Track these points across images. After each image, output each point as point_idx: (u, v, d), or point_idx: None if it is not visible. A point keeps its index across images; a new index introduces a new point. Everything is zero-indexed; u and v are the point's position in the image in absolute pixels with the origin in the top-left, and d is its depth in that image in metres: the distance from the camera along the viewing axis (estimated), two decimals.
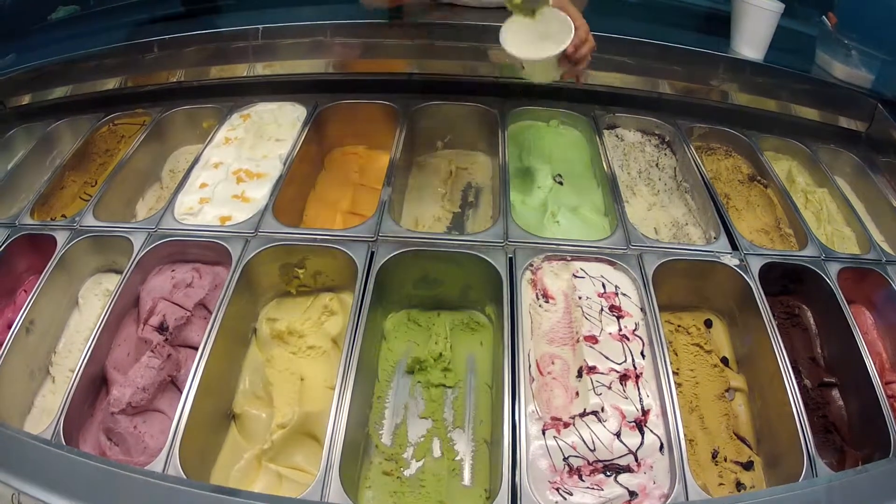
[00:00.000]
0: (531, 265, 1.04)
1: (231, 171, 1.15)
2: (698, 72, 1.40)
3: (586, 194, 1.22)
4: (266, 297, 1.10)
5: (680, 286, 1.17)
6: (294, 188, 1.17)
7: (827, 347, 1.26)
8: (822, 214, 1.38)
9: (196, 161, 1.18)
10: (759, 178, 1.40)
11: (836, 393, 1.23)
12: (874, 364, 1.24)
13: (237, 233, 1.07)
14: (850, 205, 1.39)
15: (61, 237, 1.09)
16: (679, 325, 1.18)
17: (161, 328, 1.02)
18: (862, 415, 1.12)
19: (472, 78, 1.33)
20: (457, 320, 1.10)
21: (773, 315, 1.26)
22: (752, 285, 1.13)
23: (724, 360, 1.18)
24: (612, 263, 1.08)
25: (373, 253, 1.03)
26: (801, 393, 1.17)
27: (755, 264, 1.17)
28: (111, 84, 1.32)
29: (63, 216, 1.16)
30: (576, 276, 1.06)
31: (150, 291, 1.07)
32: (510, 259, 1.04)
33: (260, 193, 1.11)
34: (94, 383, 0.98)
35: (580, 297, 1.03)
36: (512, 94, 1.35)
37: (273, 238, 1.06)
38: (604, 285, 1.06)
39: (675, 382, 1.08)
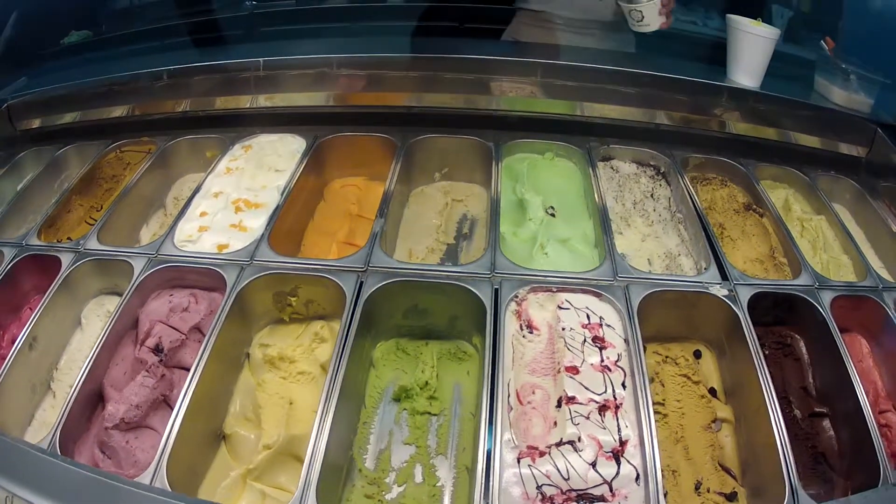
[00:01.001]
0: (516, 296, 1.12)
1: (230, 201, 1.25)
2: (694, 102, 1.47)
3: (578, 226, 1.29)
4: (260, 323, 1.19)
5: (668, 317, 1.23)
6: (292, 218, 1.27)
7: (819, 377, 1.30)
8: (819, 242, 1.43)
9: (198, 190, 1.28)
10: (754, 207, 1.45)
11: (826, 423, 1.27)
12: (868, 392, 1.29)
13: (233, 261, 1.16)
14: (848, 232, 1.43)
15: (66, 259, 1.19)
16: (667, 356, 1.24)
17: (156, 350, 1.11)
18: (852, 445, 1.16)
19: (470, 111, 1.43)
20: (444, 350, 1.17)
21: (765, 345, 1.33)
22: (740, 315, 1.18)
23: (712, 391, 1.23)
24: (597, 295, 1.15)
25: (361, 283, 1.11)
26: (789, 424, 1.23)
27: (744, 294, 1.22)
28: (119, 112, 1.44)
29: (69, 238, 1.27)
30: (560, 308, 1.12)
31: (148, 314, 1.16)
32: (496, 290, 1.11)
33: (257, 223, 1.21)
34: (92, 399, 1.08)
35: (563, 328, 1.09)
36: (509, 126, 1.44)
37: (267, 267, 1.15)
38: (588, 316, 1.13)
39: (660, 413, 1.16)
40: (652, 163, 1.49)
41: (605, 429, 0.99)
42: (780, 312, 1.33)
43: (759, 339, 1.31)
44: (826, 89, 1.56)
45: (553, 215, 1.30)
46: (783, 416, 1.23)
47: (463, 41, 1.50)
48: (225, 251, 1.18)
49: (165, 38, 1.63)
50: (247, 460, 1.05)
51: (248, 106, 1.40)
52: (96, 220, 1.27)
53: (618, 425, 1.00)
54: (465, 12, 2.07)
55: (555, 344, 1.09)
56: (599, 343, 1.09)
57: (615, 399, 1.03)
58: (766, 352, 1.33)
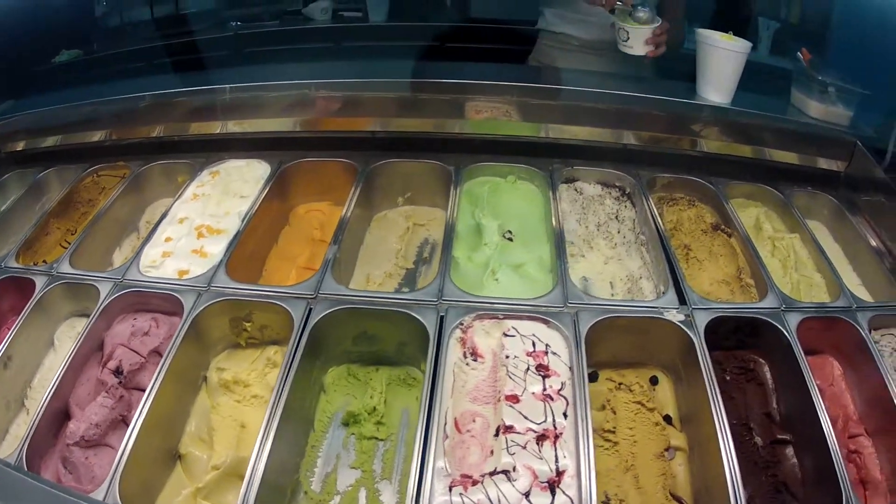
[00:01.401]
0: (461, 324, 1.14)
1: (194, 227, 1.31)
2: (661, 120, 1.47)
3: (536, 250, 1.30)
4: (218, 347, 1.24)
5: (623, 343, 1.24)
6: (253, 243, 1.32)
7: (783, 403, 1.29)
8: (790, 261, 1.41)
9: (164, 215, 1.35)
10: (722, 226, 1.44)
11: (790, 450, 1.26)
12: (837, 417, 1.28)
13: (191, 286, 1.21)
14: (822, 250, 1.41)
15: (40, 282, 1.27)
16: (621, 383, 1.24)
17: (117, 371, 1.18)
18: (815, 473, 1.15)
19: (435, 135, 1.45)
20: (394, 376, 1.20)
21: (726, 370, 1.32)
22: (695, 341, 1.18)
23: (668, 419, 1.23)
24: (545, 322, 1.17)
25: (311, 310, 1.15)
26: (749, 451, 1.23)
27: (702, 319, 1.22)
28: (97, 136, 1.51)
29: (44, 261, 1.35)
30: (506, 335, 1.14)
31: (112, 337, 1.23)
32: (441, 318, 1.13)
33: (217, 249, 1.26)
34: (59, 416, 1.15)
35: (507, 356, 1.11)
36: (473, 149, 1.46)
37: (223, 293, 1.20)
38: (534, 344, 1.14)
39: (611, 441, 1.17)
40: (617, 184, 1.49)
41: (541, 458, 1.01)
42: (743, 336, 1.32)
43: (720, 364, 1.32)
44: (803, 103, 1.54)
45: (511, 239, 1.32)
46: (742, 443, 1.25)
47: (453, 64, 1.53)
48: (185, 277, 1.23)
49: (150, 60, 1.70)
50: (199, 479, 1.11)
51: (218, 131, 1.46)
52: (70, 244, 1.34)
53: (555, 455, 1.02)
54: (476, 33, 2.12)
55: (497, 372, 1.11)
56: (543, 371, 1.11)
57: (555, 428, 1.05)
58: (728, 377, 1.33)
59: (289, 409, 1.04)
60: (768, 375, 1.35)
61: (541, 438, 1.03)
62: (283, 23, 2.11)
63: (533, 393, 1.08)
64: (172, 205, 1.36)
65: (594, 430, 1.16)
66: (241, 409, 1.19)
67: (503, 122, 1.44)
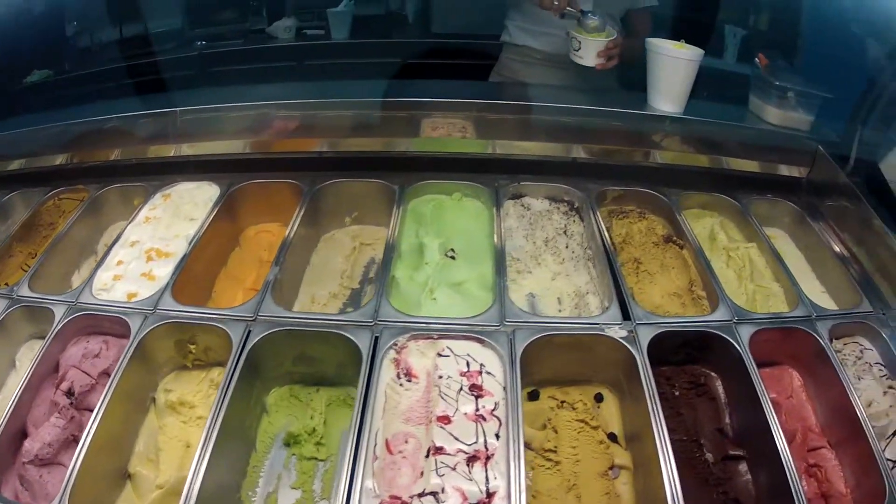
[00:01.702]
0: (395, 344, 1.16)
1: (144, 250, 1.35)
2: (611, 133, 1.47)
3: (478, 268, 1.31)
4: (166, 368, 1.28)
5: (564, 360, 1.24)
6: (201, 266, 1.35)
7: (736, 417, 1.29)
8: (745, 272, 1.40)
9: (117, 239, 1.39)
10: (674, 238, 1.44)
11: (743, 466, 1.25)
12: (796, 431, 1.27)
13: (138, 309, 1.25)
14: (780, 259, 1.40)
15: (1, 304, 1.32)
16: (564, 401, 1.25)
17: (68, 393, 1.23)
18: (770, 489, 1.14)
19: (383, 154, 1.48)
20: (334, 396, 1.23)
21: (675, 385, 1.32)
22: (637, 357, 1.18)
23: (612, 437, 1.23)
24: (480, 341, 1.18)
25: (249, 332, 1.18)
26: (700, 468, 1.22)
27: (647, 334, 1.22)
28: (59, 159, 1.57)
29: (6, 284, 1.40)
30: (440, 355, 1.16)
31: (66, 359, 1.28)
32: (376, 338, 1.16)
33: (164, 272, 1.30)
34: (18, 436, 1.19)
35: (440, 377, 1.13)
36: (419, 168, 1.48)
37: (167, 315, 1.24)
38: (468, 364, 1.16)
39: (552, 461, 1.18)
40: (566, 198, 1.50)
41: (471, 480, 1.02)
42: (692, 350, 1.32)
43: (668, 380, 1.32)
44: (761, 109, 1.52)
45: (453, 258, 1.34)
46: (692, 460, 1.25)
47: (403, 82, 1.55)
48: (133, 300, 1.28)
49: (116, 81, 1.76)
50: (145, 498, 1.15)
51: (172, 154, 1.50)
52: (30, 267, 1.40)
53: (486, 476, 1.03)
54: (438, 49, 2.16)
55: (431, 392, 1.13)
56: (476, 391, 1.12)
57: (486, 449, 1.06)
58: (677, 392, 1.33)
59: (227, 430, 1.07)
60: (720, 390, 1.34)
61: (471, 459, 1.04)
62: (247, 42, 2.16)
63: (465, 413, 1.09)
64: (125, 228, 1.41)
65: (534, 450, 1.19)
66: (186, 430, 1.22)
67: (451, 140, 1.46)
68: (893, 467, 1.21)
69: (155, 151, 1.52)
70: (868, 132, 1.48)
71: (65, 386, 1.24)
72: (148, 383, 1.27)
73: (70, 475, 1.02)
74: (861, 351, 1.39)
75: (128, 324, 1.24)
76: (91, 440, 1.07)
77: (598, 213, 1.40)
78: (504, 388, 1.12)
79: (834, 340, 1.38)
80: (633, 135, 1.47)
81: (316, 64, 2.22)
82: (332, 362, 1.21)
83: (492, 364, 1.15)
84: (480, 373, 1.14)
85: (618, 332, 1.21)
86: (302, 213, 1.38)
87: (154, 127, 1.48)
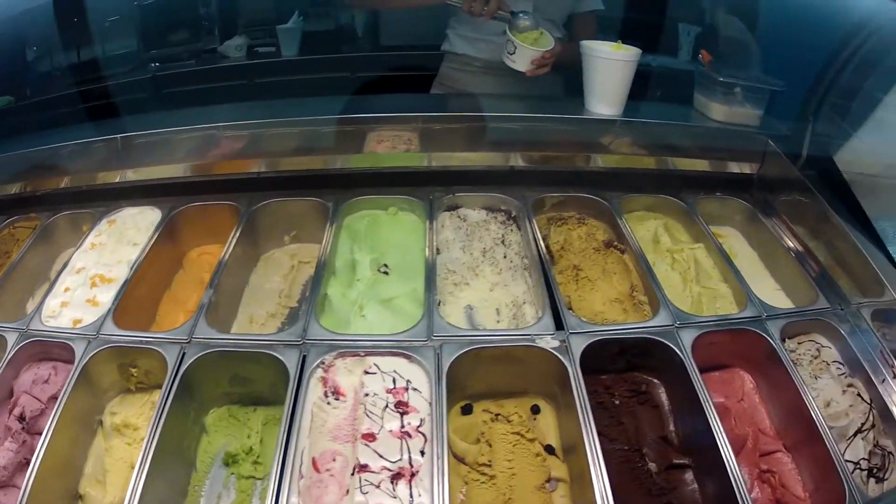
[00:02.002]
0: (322, 363, 1.19)
1: (89, 276, 1.40)
2: (548, 139, 1.47)
3: (411, 283, 1.33)
4: (111, 392, 1.33)
5: (497, 373, 1.26)
6: (144, 290, 1.40)
7: (681, 425, 1.29)
8: (690, 274, 1.40)
9: (65, 266, 1.45)
10: (615, 243, 1.44)
11: (689, 475, 1.25)
12: (748, 434, 1.27)
13: (82, 335, 1.31)
14: (728, 259, 1.39)
15: None
16: (498, 414, 1.26)
17: (20, 418, 1.29)
18: (716, 498, 1.15)
19: (320, 171, 1.50)
20: (270, 415, 1.26)
21: (615, 394, 1.33)
22: (568, 368, 1.19)
23: (550, 449, 1.24)
24: (408, 357, 1.20)
25: (184, 354, 1.23)
26: (642, 478, 1.23)
27: (580, 344, 1.23)
28: (13, 188, 1.63)
29: None
30: (367, 373, 1.19)
31: (19, 385, 1.35)
32: (304, 357, 1.19)
33: (107, 297, 1.35)
34: None
35: (366, 394, 1.15)
36: (355, 184, 1.50)
37: (109, 340, 1.29)
38: (395, 380, 1.18)
39: (487, 475, 1.19)
40: (503, 207, 1.50)
41: (395, 497, 1.05)
42: (632, 358, 1.32)
43: (608, 389, 1.33)
44: (706, 107, 1.51)
45: (387, 273, 1.36)
46: (634, 470, 1.25)
47: (340, 98, 1.58)
48: (78, 326, 1.33)
49: (69, 107, 1.81)
50: None
51: (117, 180, 1.56)
52: None
53: (410, 493, 1.06)
54: (386, 61, 2.18)
55: (357, 410, 1.15)
56: (402, 408, 1.15)
57: (411, 466, 1.08)
58: (618, 401, 1.33)
59: (165, 450, 1.12)
60: (664, 397, 1.34)
61: (396, 477, 1.07)
62: (199, 62, 2.21)
63: (390, 431, 1.12)
64: (73, 255, 1.47)
65: (468, 465, 1.20)
66: (131, 451, 1.27)
67: (388, 155, 1.48)
68: (854, 469, 1.20)
69: (102, 177, 1.57)
70: (820, 125, 1.46)
71: (17, 411, 1.30)
72: (95, 406, 1.32)
73: (22, 497, 1.07)
74: (818, 349, 1.38)
75: (73, 349, 1.30)
76: (40, 462, 1.12)
77: (535, 221, 1.41)
78: (430, 404, 1.14)
79: (787, 340, 1.37)
80: (572, 140, 1.47)
81: (266, 81, 2.26)
82: (265, 382, 1.25)
83: (418, 380, 1.18)
84: (407, 389, 1.17)
85: (549, 343, 1.23)
86: (238, 235, 1.42)
87: (101, 153, 1.54)
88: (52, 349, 1.35)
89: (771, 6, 1.55)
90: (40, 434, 1.28)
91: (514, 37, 1.51)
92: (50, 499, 1.13)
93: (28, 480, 1.08)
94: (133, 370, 1.31)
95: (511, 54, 1.53)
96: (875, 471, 1.22)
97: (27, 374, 1.36)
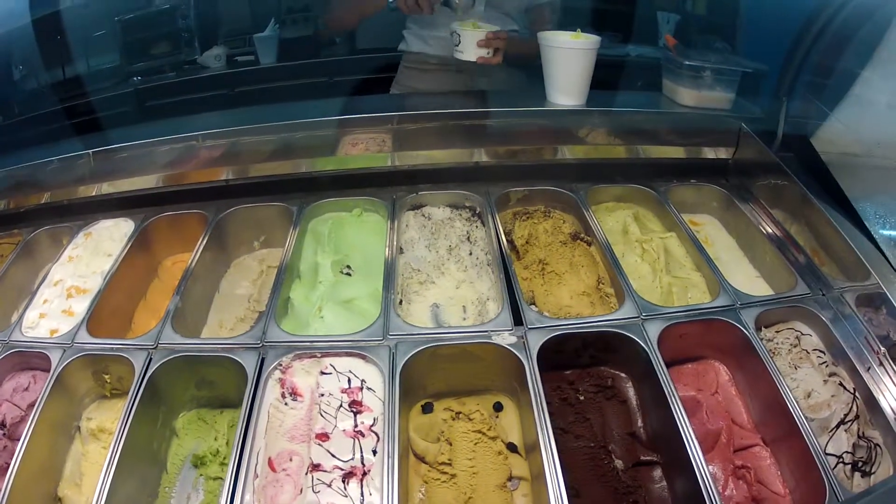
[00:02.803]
0: (280, 364, 1.26)
1: (65, 288, 1.51)
2: (512, 133, 1.50)
3: (374, 284, 1.39)
4: (88, 398, 1.43)
5: (458, 371, 1.30)
6: (119, 299, 1.50)
7: (650, 420, 1.30)
8: (659, 264, 1.42)
9: (44, 279, 1.57)
10: (582, 235, 1.46)
11: (657, 472, 1.27)
12: (722, 429, 1.28)
13: (57, 344, 1.41)
14: (701, 247, 1.40)
15: None
16: (459, 412, 1.31)
17: (1, 425, 1.41)
18: (685, 496, 1.17)
19: (286, 177, 1.58)
20: (237, 417, 1.33)
21: (579, 390, 1.35)
22: (525, 364, 1.23)
23: (512, 447, 1.28)
24: (363, 357, 1.26)
25: (150, 359, 1.31)
26: (608, 476, 1.25)
27: (538, 339, 1.26)
28: None
29: None
30: (323, 373, 1.25)
31: (1, 394, 1.47)
32: (262, 360, 1.26)
33: (82, 307, 1.45)
34: None
35: (322, 394, 1.22)
36: (319, 188, 1.57)
37: (83, 348, 1.39)
38: (349, 380, 1.24)
39: (447, 473, 1.24)
40: (467, 204, 1.55)
41: (346, 496, 1.11)
42: (596, 352, 1.35)
43: (572, 384, 1.35)
44: (674, 92, 1.52)
45: (349, 274, 1.42)
46: (600, 467, 1.28)
47: (305, 104, 1.66)
48: (55, 335, 1.44)
49: (54, 122, 1.94)
50: None
51: (94, 193, 1.67)
52: None
53: (361, 493, 1.11)
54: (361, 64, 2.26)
55: (313, 410, 1.22)
56: (356, 407, 1.21)
57: (363, 465, 1.14)
58: (582, 397, 1.36)
59: (133, 453, 1.20)
60: (631, 392, 1.36)
61: (348, 476, 1.13)
62: (179, 73, 2.33)
63: (343, 430, 1.18)
64: (51, 268, 1.58)
65: (428, 463, 1.25)
66: (106, 455, 1.36)
67: (352, 157, 1.54)
68: (837, 463, 1.20)
69: (81, 192, 1.68)
70: (795, 105, 1.45)
71: None
72: (72, 412, 1.42)
73: (2, 500, 1.18)
74: (797, 337, 1.38)
75: (49, 358, 1.40)
76: (18, 467, 1.22)
77: (498, 217, 1.44)
78: (384, 403, 1.20)
79: (764, 328, 1.37)
80: (536, 132, 1.50)
81: (245, 90, 2.37)
82: (230, 385, 1.32)
83: (373, 380, 1.23)
84: (361, 389, 1.22)
85: (506, 339, 1.26)
86: (206, 242, 1.51)
87: (78, 168, 1.65)
88: (31, 359, 1.46)
89: None
90: (19, 440, 1.41)
91: (457, 27, 1.55)
92: (30, 501, 1.23)
93: (7, 484, 1.18)
94: (106, 377, 1.40)
95: (457, 46, 1.58)
96: (860, 464, 1.21)
97: (9, 384, 1.47)
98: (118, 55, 2.35)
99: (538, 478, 1.19)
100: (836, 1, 1.34)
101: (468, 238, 1.49)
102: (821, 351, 1.35)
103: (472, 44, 1.55)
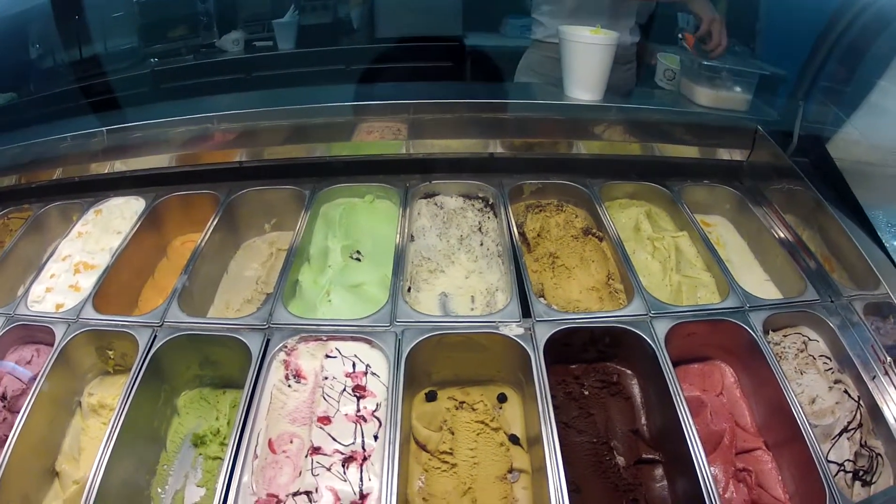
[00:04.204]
0: (285, 346, 1.25)
1: (73, 263, 1.50)
2: (524, 124, 1.50)
3: (383, 270, 1.38)
4: (91, 374, 1.42)
5: (464, 360, 1.29)
6: (126, 276, 1.49)
7: (653, 418, 1.29)
8: (670, 263, 1.41)
9: (52, 254, 1.56)
10: (594, 230, 1.45)
11: (658, 471, 1.26)
12: (725, 430, 1.27)
13: (63, 319, 1.40)
14: (712, 247, 1.39)
15: None
16: (463, 402, 1.30)
17: (2, 397, 1.40)
18: (685, 496, 1.15)
19: (300, 160, 1.57)
20: (239, 398, 1.32)
21: (584, 385, 1.34)
22: (531, 356, 1.22)
23: (514, 438, 1.27)
24: (369, 342, 1.25)
25: (155, 337, 1.31)
26: (610, 472, 1.24)
27: (545, 332, 1.25)
28: (8, 181, 1.76)
29: None
30: (328, 356, 1.24)
31: (3, 366, 1.46)
32: (268, 341, 1.25)
33: (89, 283, 1.45)
34: None
35: (326, 378, 1.21)
36: (333, 172, 1.57)
37: (87, 324, 1.38)
38: (354, 365, 1.23)
39: (448, 463, 1.23)
40: (480, 195, 1.54)
41: (345, 480, 1.10)
42: (603, 348, 1.33)
43: (577, 379, 1.34)
44: (692, 91, 1.51)
45: (359, 260, 1.41)
46: (601, 463, 1.26)
47: (324, 89, 1.66)
48: (60, 310, 1.43)
49: (69, 102, 1.95)
50: (66, 493, 1.29)
51: (106, 171, 1.67)
52: None
53: (360, 477, 1.10)
54: (381, 53, 2.27)
55: (316, 393, 1.21)
56: (359, 392, 1.20)
57: (364, 450, 1.13)
58: (587, 392, 1.34)
59: (133, 429, 1.20)
60: (636, 389, 1.35)
61: (348, 460, 1.12)
62: (197, 57, 2.34)
63: (346, 414, 1.17)
64: (59, 243, 1.58)
65: (430, 452, 1.24)
66: (105, 431, 1.36)
67: (368, 143, 1.54)
68: (838, 471, 1.18)
69: (94, 169, 1.69)
70: (812, 110, 1.44)
71: None
72: (74, 387, 1.41)
73: None
74: (804, 342, 1.36)
75: (53, 332, 1.40)
76: (16, 439, 1.21)
77: (510, 209, 1.44)
78: (388, 389, 1.19)
79: (772, 332, 1.36)
80: (552, 126, 1.50)
81: (263, 75, 2.37)
82: (234, 365, 1.31)
83: (378, 365, 1.22)
84: (366, 373, 1.22)
85: (513, 330, 1.25)
86: (216, 223, 1.50)
87: (90, 145, 1.65)
88: (35, 332, 1.45)
89: None
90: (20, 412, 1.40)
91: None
92: (27, 474, 1.22)
93: (4, 456, 1.17)
94: (110, 352, 1.40)
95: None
96: (861, 473, 1.19)
97: (12, 356, 1.47)
98: (136, 36, 2.36)
99: (539, 471, 1.18)
100: (854, 8, 1.33)
101: (480, 228, 1.49)
102: (827, 357, 1.34)
103: None
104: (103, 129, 1.55)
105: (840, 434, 1.22)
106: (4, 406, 1.38)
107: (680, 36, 1.50)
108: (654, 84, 1.65)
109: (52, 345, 1.43)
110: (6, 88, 2.03)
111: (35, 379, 1.41)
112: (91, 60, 2.20)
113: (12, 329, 1.44)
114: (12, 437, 1.21)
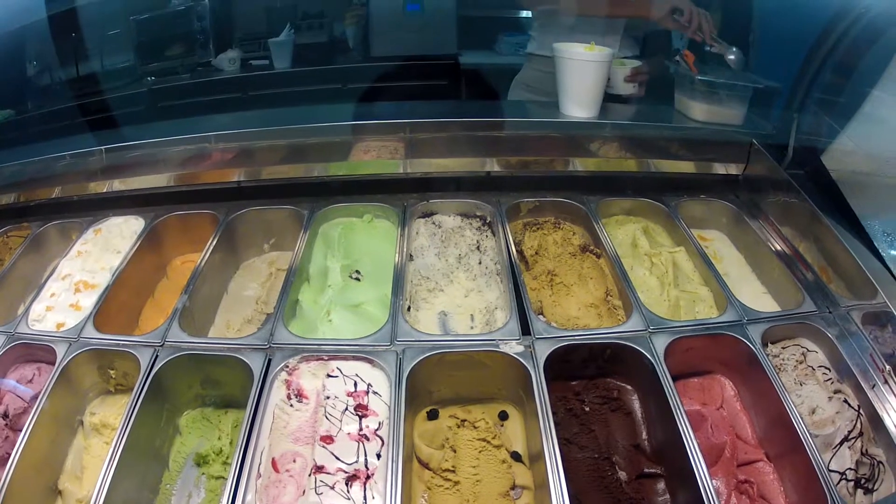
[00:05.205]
0: (287, 366, 1.27)
1: (73, 283, 1.52)
2: (520, 143, 1.52)
3: (382, 289, 1.40)
4: (92, 393, 1.44)
5: (465, 378, 1.31)
6: (126, 296, 1.51)
7: (655, 433, 1.31)
8: (667, 278, 1.43)
9: (52, 272, 1.58)
10: (591, 247, 1.48)
11: (660, 485, 1.28)
12: (726, 443, 1.29)
13: (64, 337, 1.42)
14: (709, 262, 1.41)
15: None
16: (465, 420, 1.31)
17: (4, 415, 1.42)
18: None
19: (298, 180, 1.59)
20: (241, 418, 1.34)
21: (585, 401, 1.36)
22: (532, 373, 1.24)
23: (516, 456, 1.29)
24: (370, 361, 1.27)
25: (157, 357, 1.32)
26: (612, 487, 1.26)
27: (545, 349, 1.27)
28: (6, 199, 1.78)
29: None
30: (329, 376, 1.26)
31: (4, 385, 1.48)
32: (269, 361, 1.27)
33: (89, 302, 1.47)
34: None
35: (328, 397, 1.23)
36: (331, 192, 1.59)
37: (88, 343, 1.40)
38: (356, 384, 1.25)
39: (451, 480, 1.24)
40: (478, 213, 1.56)
41: (349, 499, 1.11)
42: (603, 364, 1.35)
43: (578, 395, 1.36)
44: (687, 107, 1.54)
45: (358, 279, 1.43)
46: (603, 479, 1.28)
47: (318, 108, 1.68)
48: (61, 329, 1.45)
49: (65, 120, 1.96)
50: None
51: (105, 190, 1.68)
52: None
53: (364, 496, 1.12)
54: (375, 72, 2.30)
55: (318, 413, 1.23)
56: (361, 411, 1.22)
57: (367, 469, 1.15)
58: (587, 408, 1.37)
59: (135, 449, 1.21)
60: (637, 404, 1.37)
61: (351, 479, 1.14)
62: (193, 75, 2.37)
63: (348, 433, 1.19)
64: (59, 262, 1.59)
65: (432, 470, 1.26)
66: (108, 450, 1.37)
67: (365, 162, 1.56)
68: (840, 480, 1.20)
69: (92, 188, 1.70)
70: (806, 122, 1.47)
71: (1, 409, 1.43)
72: (76, 406, 1.43)
73: (1, 489, 1.18)
74: (803, 354, 1.39)
75: (55, 351, 1.41)
76: (19, 458, 1.23)
77: (508, 227, 1.46)
78: (390, 408, 1.20)
79: (770, 344, 1.38)
80: (549, 144, 1.52)
81: (259, 94, 2.40)
82: (236, 385, 1.33)
83: (379, 384, 1.24)
84: (367, 393, 1.23)
85: (513, 348, 1.27)
86: (215, 243, 1.52)
87: (89, 164, 1.67)
88: (36, 351, 1.47)
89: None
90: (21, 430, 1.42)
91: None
92: (29, 492, 1.24)
93: (7, 474, 1.19)
94: (111, 372, 1.41)
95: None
96: (863, 481, 1.21)
97: (14, 375, 1.48)
98: (133, 54, 2.39)
99: (541, 487, 1.20)
100: (847, 19, 1.36)
101: (478, 247, 1.51)
102: (826, 368, 1.36)
103: (619, 79, 1.56)
104: (101, 147, 1.57)
105: (841, 443, 1.24)
106: (7, 424, 1.40)
107: (677, 58, 1.53)
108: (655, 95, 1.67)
109: (53, 363, 1.45)
110: (3, 106, 2.05)
111: (37, 398, 1.43)
112: (88, 78, 2.22)
113: (13, 347, 1.46)
114: (15, 455, 1.23)
